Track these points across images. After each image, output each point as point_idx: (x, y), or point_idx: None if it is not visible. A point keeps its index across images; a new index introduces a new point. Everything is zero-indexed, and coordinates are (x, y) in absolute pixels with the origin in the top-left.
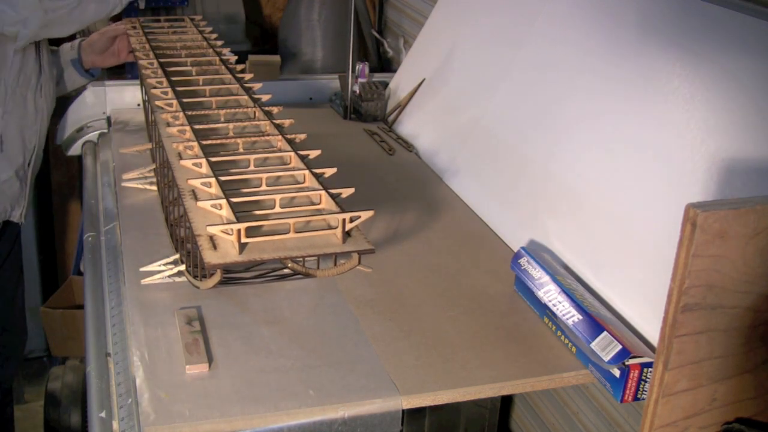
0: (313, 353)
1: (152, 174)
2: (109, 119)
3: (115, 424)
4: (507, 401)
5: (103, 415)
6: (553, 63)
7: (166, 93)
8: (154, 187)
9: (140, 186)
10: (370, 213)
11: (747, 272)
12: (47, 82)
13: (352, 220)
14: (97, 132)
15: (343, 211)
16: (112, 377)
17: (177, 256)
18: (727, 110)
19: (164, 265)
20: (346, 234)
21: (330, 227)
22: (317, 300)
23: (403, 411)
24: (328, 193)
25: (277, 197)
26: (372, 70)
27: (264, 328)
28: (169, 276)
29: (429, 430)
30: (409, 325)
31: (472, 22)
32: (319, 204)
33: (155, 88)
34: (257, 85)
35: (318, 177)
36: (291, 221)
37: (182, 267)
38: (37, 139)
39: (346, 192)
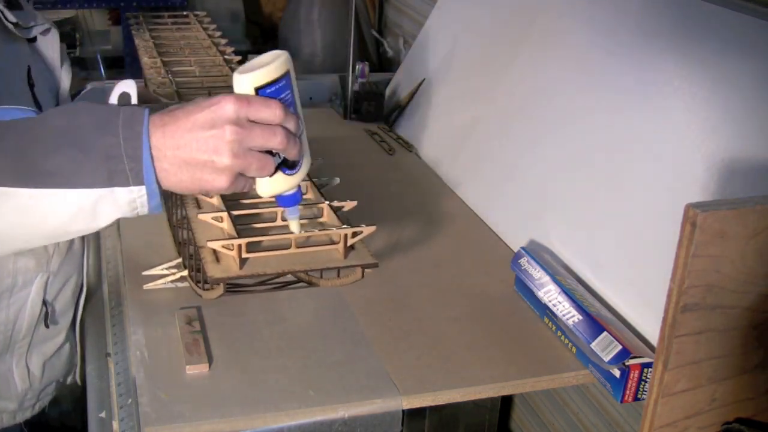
0: (313, 353)
1: None
2: None
3: (115, 425)
4: (507, 401)
5: (103, 415)
6: (553, 62)
7: None
8: None
9: None
10: (372, 228)
11: (747, 272)
12: None
13: (354, 235)
14: None
15: (344, 225)
16: (112, 377)
17: (179, 260)
18: (727, 110)
19: (167, 269)
20: (350, 248)
21: (332, 242)
22: (317, 300)
23: (403, 411)
24: (330, 206)
25: (279, 210)
26: (372, 70)
27: (264, 328)
28: (172, 281)
29: (429, 430)
30: (409, 325)
31: (472, 22)
32: (321, 217)
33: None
34: None
35: (320, 188)
36: (292, 236)
37: (185, 272)
38: (85, 268)
39: (349, 205)
